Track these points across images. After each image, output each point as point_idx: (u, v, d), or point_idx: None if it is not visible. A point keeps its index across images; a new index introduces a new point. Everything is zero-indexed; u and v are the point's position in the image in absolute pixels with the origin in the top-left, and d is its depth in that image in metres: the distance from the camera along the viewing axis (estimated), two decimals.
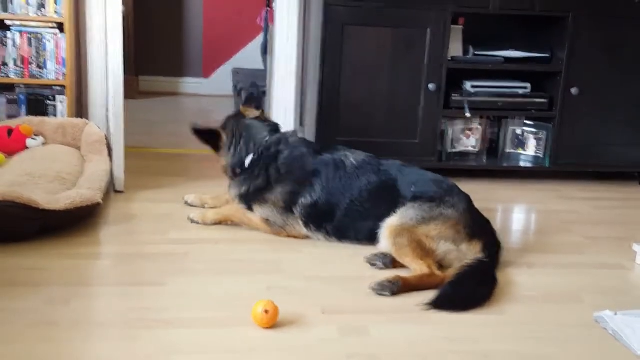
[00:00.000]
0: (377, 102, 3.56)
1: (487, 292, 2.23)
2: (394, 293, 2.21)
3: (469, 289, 2.23)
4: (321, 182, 2.65)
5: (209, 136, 2.86)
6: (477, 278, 2.27)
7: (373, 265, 2.44)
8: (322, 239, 2.69)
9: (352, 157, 2.70)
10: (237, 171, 2.80)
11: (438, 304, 2.13)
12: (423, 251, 2.35)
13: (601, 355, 1.94)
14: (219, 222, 2.81)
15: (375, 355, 1.85)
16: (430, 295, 2.17)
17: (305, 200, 2.66)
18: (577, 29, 3.57)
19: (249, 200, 2.76)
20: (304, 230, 2.69)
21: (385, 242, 2.45)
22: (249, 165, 2.77)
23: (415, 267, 2.33)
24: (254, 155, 2.76)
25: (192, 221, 2.81)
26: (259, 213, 2.73)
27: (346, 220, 2.63)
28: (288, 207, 2.68)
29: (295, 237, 2.70)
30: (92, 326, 1.92)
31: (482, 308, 2.17)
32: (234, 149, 2.81)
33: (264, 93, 4.39)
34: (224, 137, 2.83)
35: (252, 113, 2.91)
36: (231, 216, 2.80)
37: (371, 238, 2.57)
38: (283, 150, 2.74)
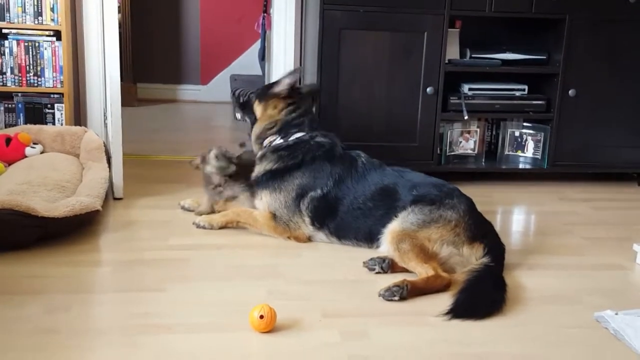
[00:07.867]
0: (375, 106, 3.57)
1: (502, 296, 2.21)
2: (403, 297, 2.19)
3: (486, 294, 2.21)
4: (335, 177, 2.68)
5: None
6: (489, 283, 2.26)
7: (372, 269, 2.43)
8: (324, 238, 2.70)
9: (364, 157, 2.75)
10: (272, 141, 2.79)
11: (458, 313, 2.09)
12: (426, 255, 2.35)
13: (604, 355, 1.94)
14: (225, 225, 2.80)
15: (376, 358, 1.84)
16: (438, 300, 2.17)
17: (314, 193, 2.68)
18: (574, 31, 3.58)
19: (267, 181, 2.74)
20: (307, 229, 2.70)
21: (387, 247, 2.45)
22: (293, 141, 2.77)
23: (421, 271, 2.32)
24: (304, 135, 2.78)
25: (198, 226, 2.79)
26: (267, 203, 2.72)
27: (347, 217, 2.64)
28: (297, 202, 2.68)
29: (297, 238, 2.70)
30: (93, 333, 1.92)
31: None
32: (296, 116, 2.81)
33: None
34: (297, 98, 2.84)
35: None
36: (238, 217, 2.79)
37: (370, 239, 2.60)
38: (324, 144, 2.77)
